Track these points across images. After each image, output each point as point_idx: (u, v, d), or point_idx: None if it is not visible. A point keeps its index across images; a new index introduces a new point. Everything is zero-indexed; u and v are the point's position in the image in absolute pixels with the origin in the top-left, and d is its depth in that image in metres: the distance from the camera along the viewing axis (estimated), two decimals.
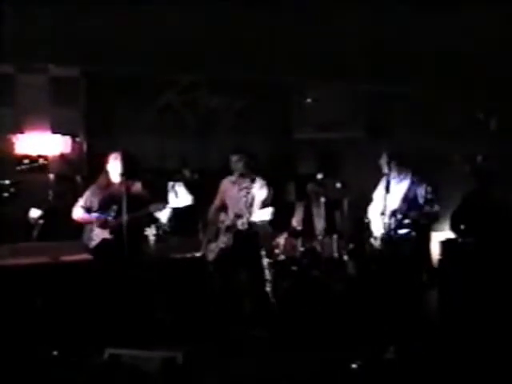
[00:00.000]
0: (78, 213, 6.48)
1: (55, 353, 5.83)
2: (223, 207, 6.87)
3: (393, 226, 6.22)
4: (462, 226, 7.12)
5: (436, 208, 6.30)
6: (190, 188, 6.37)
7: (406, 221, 6.20)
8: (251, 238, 6.67)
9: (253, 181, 6.72)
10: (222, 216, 6.82)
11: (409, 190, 6.34)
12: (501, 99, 8.43)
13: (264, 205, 6.54)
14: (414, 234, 6.21)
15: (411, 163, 6.52)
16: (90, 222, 6.39)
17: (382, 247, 6.33)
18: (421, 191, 6.31)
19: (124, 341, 5.65)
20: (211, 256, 6.77)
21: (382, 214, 6.28)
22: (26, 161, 7.97)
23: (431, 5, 7.84)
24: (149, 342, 5.77)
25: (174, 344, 5.79)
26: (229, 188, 6.88)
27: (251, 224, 6.50)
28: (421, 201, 6.29)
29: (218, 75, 8.93)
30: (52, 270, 6.76)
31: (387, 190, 6.31)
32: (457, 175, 8.03)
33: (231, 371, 5.51)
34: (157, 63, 8.41)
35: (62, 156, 8.47)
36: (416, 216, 6.21)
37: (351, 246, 7.68)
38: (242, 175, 6.76)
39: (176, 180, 6.53)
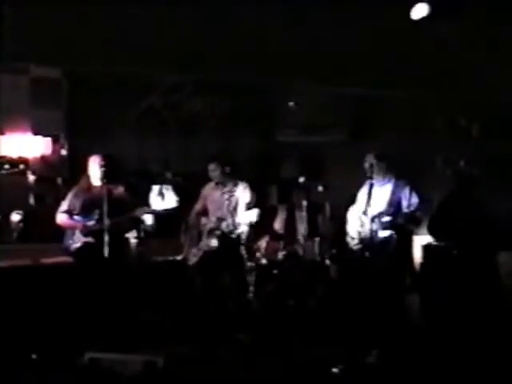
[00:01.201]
0: (61, 218, 6.43)
1: (34, 356, 5.78)
2: (204, 211, 6.88)
3: (375, 228, 6.22)
4: (441, 229, 7.14)
5: (420, 212, 6.31)
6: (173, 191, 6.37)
7: (390, 224, 6.20)
8: (235, 240, 6.68)
9: (235, 184, 6.74)
10: (204, 220, 6.82)
11: (393, 193, 6.35)
12: (484, 105, 8.47)
13: (248, 207, 6.56)
14: (395, 236, 6.21)
15: (395, 167, 6.53)
16: (73, 228, 6.34)
17: (363, 249, 6.33)
18: (405, 195, 6.32)
19: (105, 344, 5.62)
20: (193, 260, 6.76)
21: (364, 214, 6.29)
22: (7, 166, 7.88)
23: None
24: (130, 344, 5.73)
25: (155, 347, 5.77)
26: (211, 193, 6.89)
27: (236, 226, 6.51)
28: (405, 204, 6.29)
29: (202, 77, 8.91)
30: (32, 272, 6.70)
31: (369, 193, 6.33)
32: (439, 180, 8.05)
33: (213, 375, 5.48)
34: (140, 65, 8.36)
35: (43, 158, 8.41)
36: (403, 222, 6.21)
37: (333, 249, 7.68)
38: (219, 182, 6.77)
39: (158, 183, 6.51)
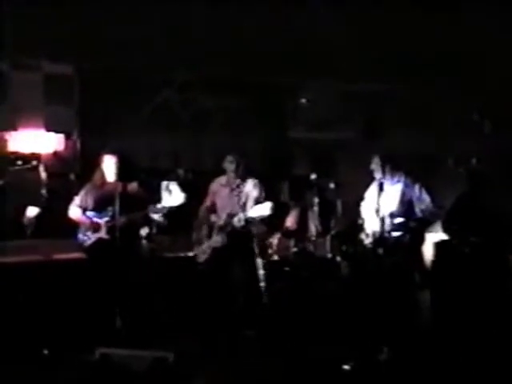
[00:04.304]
0: (74, 212, 6.46)
1: (46, 352, 5.81)
2: (213, 208, 6.89)
3: (388, 229, 6.22)
4: (455, 227, 7.12)
5: (433, 209, 6.32)
6: (184, 187, 6.38)
7: (402, 227, 6.21)
8: (245, 236, 6.69)
9: (244, 180, 6.74)
10: (213, 217, 6.82)
11: (403, 192, 6.36)
12: (496, 101, 8.42)
13: (258, 203, 6.56)
14: (408, 236, 6.22)
15: (404, 165, 6.53)
16: (86, 223, 6.37)
17: (375, 248, 6.34)
18: (415, 193, 6.33)
19: (117, 340, 5.64)
20: (203, 257, 6.78)
21: (377, 212, 6.29)
22: (19, 162, 7.90)
23: (427, 4, 7.83)
24: (142, 341, 5.76)
25: (166, 343, 5.78)
26: (219, 189, 6.90)
27: (247, 221, 6.52)
28: (416, 203, 6.30)
29: (213, 74, 8.91)
30: (44, 268, 6.73)
31: (380, 192, 6.32)
32: (451, 177, 8.02)
33: (223, 371, 5.49)
34: (152, 61, 8.37)
35: (56, 154, 8.44)
36: (415, 226, 6.22)
37: (344, 246, 7.66)
38: (233, 176, 6.77)
39: (170, 179, 6.52)
